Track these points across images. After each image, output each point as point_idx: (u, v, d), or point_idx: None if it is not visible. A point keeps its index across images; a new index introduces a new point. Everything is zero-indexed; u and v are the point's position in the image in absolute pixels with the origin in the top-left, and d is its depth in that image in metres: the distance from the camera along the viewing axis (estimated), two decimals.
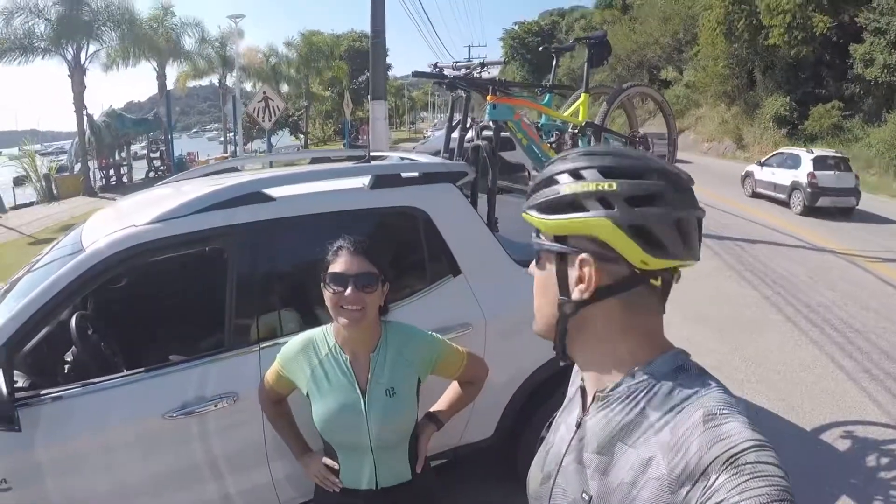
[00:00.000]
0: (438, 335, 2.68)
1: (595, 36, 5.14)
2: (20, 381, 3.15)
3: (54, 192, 26.12)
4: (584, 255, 1.14)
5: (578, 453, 1.22)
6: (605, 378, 1.21)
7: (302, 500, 3.30)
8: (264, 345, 3.20)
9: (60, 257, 3.46)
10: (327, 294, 2.36)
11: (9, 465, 2.82)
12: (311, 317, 3.34)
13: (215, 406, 3.05)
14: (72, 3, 26.56)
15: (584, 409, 1.27)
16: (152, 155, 34.25)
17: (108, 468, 2.99)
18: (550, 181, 1.19)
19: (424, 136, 42.74)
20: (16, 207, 24.31)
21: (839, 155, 19.85)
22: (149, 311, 4.49)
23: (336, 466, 2.53)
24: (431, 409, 2.79)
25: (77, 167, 28.06)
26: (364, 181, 3.51)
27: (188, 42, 35.21)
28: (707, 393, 1.10)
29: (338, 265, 2.35)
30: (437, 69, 4.86)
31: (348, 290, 2.31)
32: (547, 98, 5.16)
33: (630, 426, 1.13)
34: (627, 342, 1.19)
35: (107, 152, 29.70)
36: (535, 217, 1.21)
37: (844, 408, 6.09)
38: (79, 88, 27.29)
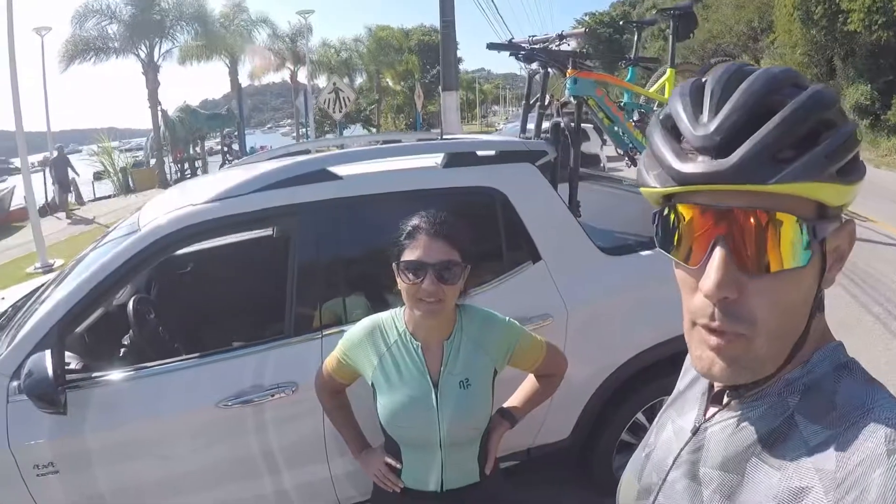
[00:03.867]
0: (517, 322, 2.40)
1: (681, 6, 4.79)
2: (73, 364, 3.02)
3: (131, 185, 26.93)
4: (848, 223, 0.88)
5: (692, 467, 0.97)
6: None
7: (362, 499, 3.10)
8: (327, 332, 3.00)
9: (117, 237, 3.33)
10: (402, 282, 2.10)
11: (56, 448, 2.74)
12: (379, 303, 3.12)
13: (272, 396, 2.89)
14: (143, 4, 27.69)
15: (705, 411, 1.02)
16: (226, 149, 34.70)
17: (158, 457, 2.88)
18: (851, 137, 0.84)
19: (496, 129, 42.56)
20: (95, 200, 25.44)
21: None
22: (212, 296, 4.43)
23: (398, 466, 2.29)
24: (505, 405, 2.52)
25: (153, 161, 28.73)
26: (437, 160, 3.30)
27: (259, 38, 35.70)
28: (883, 408, 0.80)
29: (414, 250, 2.08)
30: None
31: (426, 281, 2.05)
32: (630, 73, 4.83)
33: (773, 438, 0.87)
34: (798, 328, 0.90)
35: (181, 147, 30.51)
36: (831, 184, 0.82)
37: None
38: (153, 86, 28.43)
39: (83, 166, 28.34)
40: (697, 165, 0.82)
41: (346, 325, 2.87)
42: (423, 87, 40.57)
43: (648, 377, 3.57)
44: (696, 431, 1.00)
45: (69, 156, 23.30)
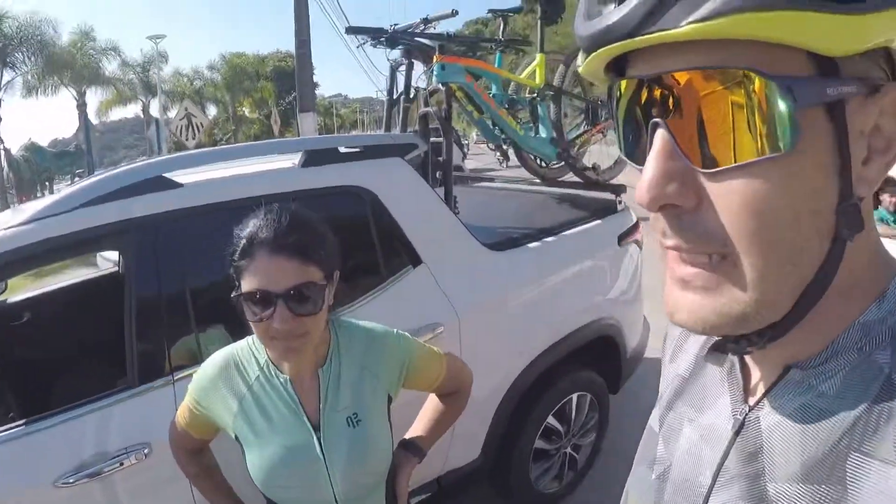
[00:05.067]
0: (406, 333, 1.95)
1: None
2: None
3: None
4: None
5: (752, 483, 0.63)
6: (807, 338, 0.61)
7: None
8: (179, 375, 2.49)
9: None
10: (248, 316, 1.57)
11: None
12: (242, 333, 2.62)
13: (121, 464, 2.30)
14: None
15: (745, 396, 0.69)
16: None
17: None
18: None
19: None
20: None
21: None
22: (49, 349, 3.82)
23: None
24: (407, 436, 2.06)
25: None
26: (294, 160, 2.91)
27: (108, 67, 34.18)
28: None
29: (254, 275, 1.53)
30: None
31: (276, 317, 1.51)
32: (497, 59, 4.59)
33: (873, 418, 0.55)
34: (860, 258, 0.59)
35: (27, 188, 28.71)
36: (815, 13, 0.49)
37: None
38: None
39: None
40: (599, 20, 0.57)
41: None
42: (280, 114, 40.02)
43: (553, 377, 3.38)
44: (739, 429, 0.66)
45: None
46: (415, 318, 2.83)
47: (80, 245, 2.60)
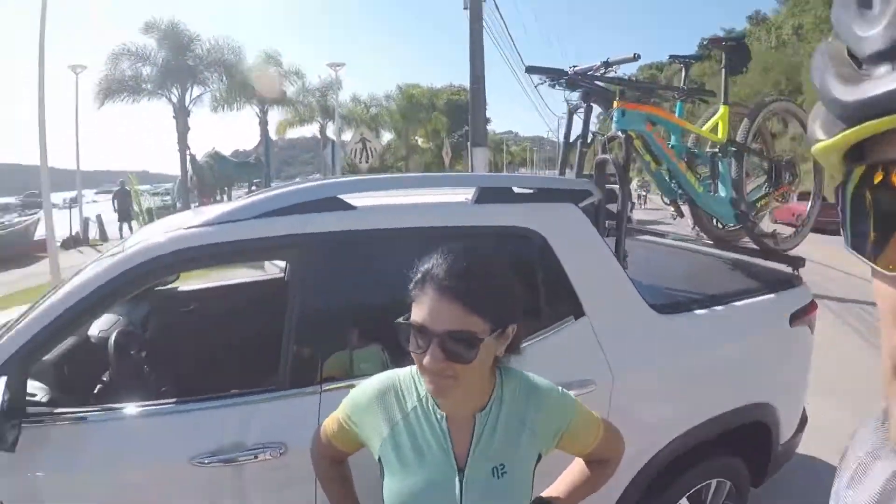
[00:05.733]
0: (570, 393, 1.87)
1: (733, 37, 4.44)
2: (40, 396, 2.71)
3: None
4: None
5: None
6: None
7: None
8: (328, 387, 2.54)
9: (100, 261, 2.97)
10: (409, 344, 1.56)
11: (6, 487, 2.40)
12: (397, 358, 2.57)
13: (255, 457, 2.42)
14: (176, 49, 28.78)
15: None
16: None
17: None
18: None
19: None
20: (121, 238, 25.96)
21: None
22: (208, 339, 4.09)
23: None
24: (545, 494, 1.96)
25: (179, 205, 29.00)
26: (467, 195, 2.88)
27: (290, 89, 36.26)
28: None
29: (421, 308, 1.54)
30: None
31: (427, 355, 1.51)
32: (679, 109, 4.40)
33: None
34: None
35: (208, 192, 30.54)
36: None
37: None
38: (183, 129, 29.50)
39: (106, 206, 29.19)
40: (875, 84, 0.48)
41: (354, 379, 2.42)
42: (452, 146, 40.74)
43: (695, 457, 3.10)
44: None
45: (98, 196, 26.01)
46: (568, 370, 2.71)
47: (252, 252, 2.83)
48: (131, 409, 2.55)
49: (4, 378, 2.31)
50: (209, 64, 30.12)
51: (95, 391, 3.34)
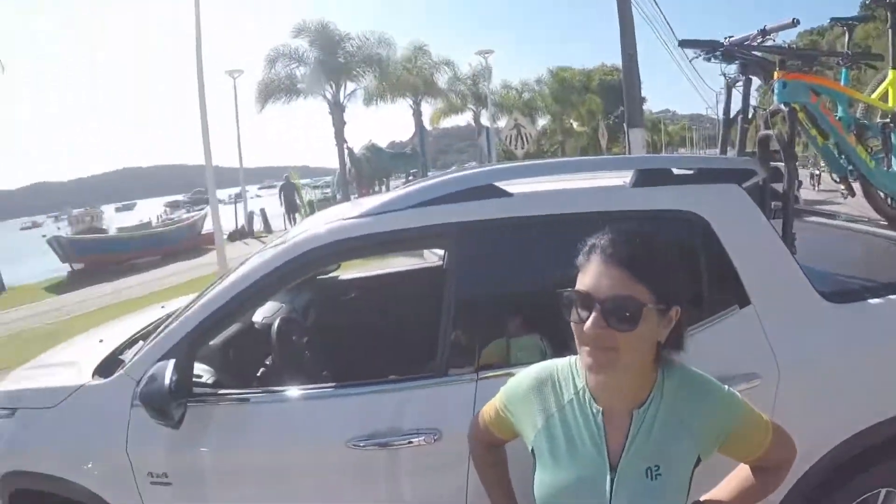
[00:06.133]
0: (738, 393, 1.77)
1: None
2: (206, 377, 2.95)
3: None
4: None
5: None
6: None
7: None
8: (484, 375, 2.56)
9: (263, 251, 3.19)
10: (571, 315, 1.57)
11: (171, 460, 2.67)
12: (557, 348, 2.51)
13: (410, 442, 2.50)
14: (327, 48, 30.28)
15: None
16: None
17: (275, 489, 2.65)
18: None
19: None
20: (285, 230, 27.52)
21: None
22: (367, 326, 4.26)
23: None
24: (704, 499, 1.88)
25: (339, 197, 30.02)
26: (624, 179, 2.80)
27: (441, 79, 36.86)
28: None
29: (584, 278, 1.57)
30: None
31: (589, 321, 1.51)
32: (844, 76, 4.07)
33: None
34: None
35: (366, 183, 31.44)
36: None
37: None
38: (339, 125, 30.75)
39: (275, 200, 30.73)
40: None
41: (512, 368, 2.42)
42: (607, 128, 39.95)
43: (865, 462, 2.80)
44: None
45: (262, 190, 28.15)
46: (731, 363, 2.56)
47: (409, 241, 2.96)
48: (292, 391, 2.72)
49: (173, 361, 2.52)
50: (360, 60, 31.18)
51: (258, 374, 3.52)
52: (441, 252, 3.85)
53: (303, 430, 2.64)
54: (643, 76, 16.62)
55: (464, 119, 43.94)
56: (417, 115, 36.12)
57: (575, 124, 54.14)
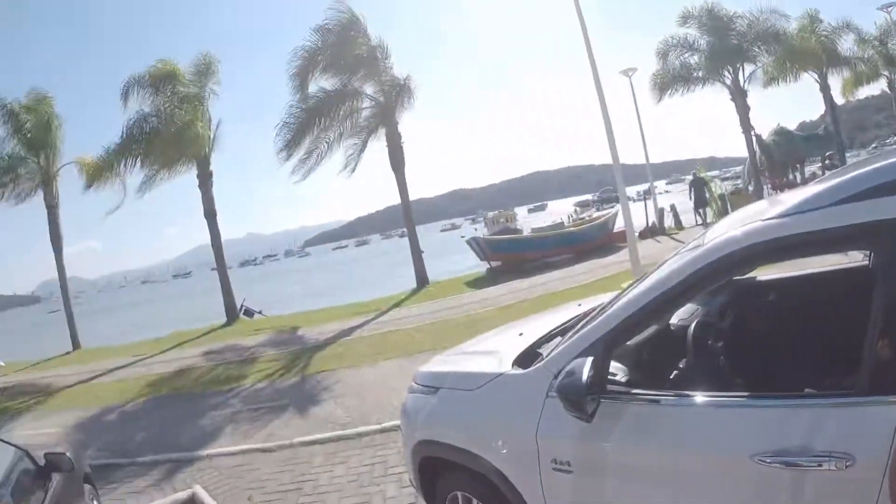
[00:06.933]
0: None
1: None
2: (619, 376, 3.09)
3: (728, 211, 27.33)
4: None
5: None
6: None
7: None
8: None
9: (681, 254, 3.14)
10: None
11: (578, 451, 2.89)
12: None
13: (819, 465, 2.25)
14: (718, 32, 29.08)
15: None
16: (828, 174, 32.44)
17: (671, 493, 2.71)
18: None
19: None
20: (696, 225, 27.91)
21: None
22: (787, 333, 4.01)
23: None
24: None
25: (751, 188, 28.90)
26: None
27: (843, 46, 33.28)
28: None
29: None
30: None
31: None
32: None
33: None
34: None
35: (778, 171, 29.84)
36: None
37: None
38: (742, 110, 29.43)
39: (683, 196, 30.46)
40: None
41: None
42: None
43: None
44: None
45: (669, 186, 28.43)
46: None
47: (832, 243, 2.58)
48: (703, 397, 2.73)
49: (591, 358, 2.76)
50: (754, 38, 29.52)
51: (671, 377, 3.49)
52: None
53: (710, 438, 2.58)
54: None
55: (877, 88, 39.42)
56: (825, 89, 32.52)
57: None
